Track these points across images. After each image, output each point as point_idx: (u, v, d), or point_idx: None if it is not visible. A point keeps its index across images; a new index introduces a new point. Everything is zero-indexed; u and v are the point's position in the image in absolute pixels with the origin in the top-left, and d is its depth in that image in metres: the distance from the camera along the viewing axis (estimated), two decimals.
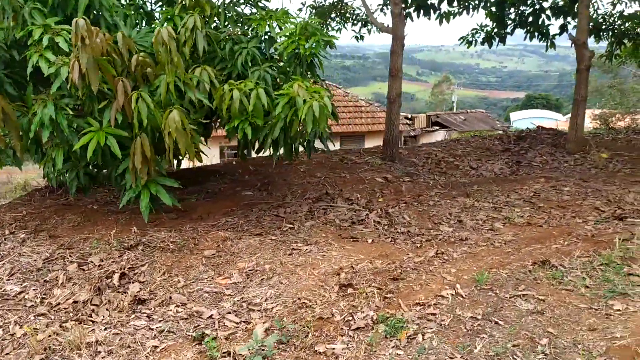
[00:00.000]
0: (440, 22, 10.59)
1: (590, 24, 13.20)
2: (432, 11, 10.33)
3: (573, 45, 9.54)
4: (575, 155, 9.32)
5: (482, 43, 11.97)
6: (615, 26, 13.39)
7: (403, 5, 7.94)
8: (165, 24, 5.32)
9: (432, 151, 9.00)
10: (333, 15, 10.90)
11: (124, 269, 4.54)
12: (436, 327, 3.45)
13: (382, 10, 10.73)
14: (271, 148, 5.63)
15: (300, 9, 10.20)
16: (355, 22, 11.11)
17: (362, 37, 11.77)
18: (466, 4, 10.94)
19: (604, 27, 13.35)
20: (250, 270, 4.47)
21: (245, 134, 5.08)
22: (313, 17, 10.45)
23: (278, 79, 5.60)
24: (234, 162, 7.60)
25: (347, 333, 3.43)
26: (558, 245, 5.36)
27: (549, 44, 11.61)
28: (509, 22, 11.77)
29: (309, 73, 5.65)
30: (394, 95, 8.23)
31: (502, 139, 10.15)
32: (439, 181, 7.52)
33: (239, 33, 5.51)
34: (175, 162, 6.31)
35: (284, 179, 7.08)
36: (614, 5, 13.37)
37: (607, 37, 13.51)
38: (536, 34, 11.66)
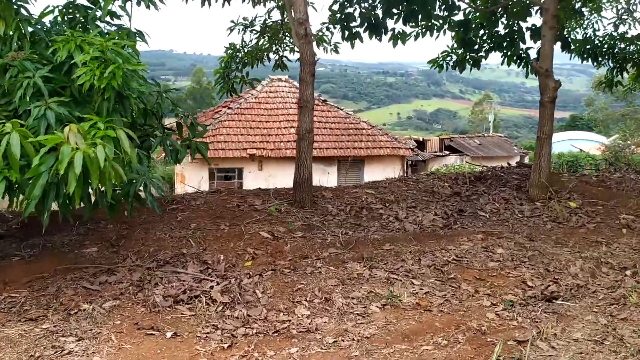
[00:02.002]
0: (394, 44, 9.31)
1: (587, 46, 11.72)
2: (383, 31, 9.06)
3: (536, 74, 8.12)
4: (537, 203, 7.86)
5: (454, 67, 10.62)
6: (617, 50, 11.84)
7: (311, 26, 6.71)
8: None
9: (361, 195, 7.70)
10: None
11: None
12: None
13: (327, 29, 9.54)
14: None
15: (230, 29, 9.04)
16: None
17: (336, 51, 10.52)
18: (428, 24, 9.63)
19: (603, 50, 11.82)
20: None
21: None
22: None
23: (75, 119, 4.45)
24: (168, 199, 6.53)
25: None
26: (429, 347, 4.04)
27: (529, 69, 10.18)
28: (485, 44, 10.40)
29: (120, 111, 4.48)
30: (304, 131, 7.00)
31: (456, 180, 8.74)
32: (341, 238, 6.22)
33: (23, 58, 4.36)
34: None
35: (147, 232, 5.92)
36: (616, 26, 11.80)
37: (607, 62, 11.97)
38: (514, 57, 10.25)
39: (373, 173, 21.97)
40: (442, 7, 9.50)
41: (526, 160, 28.92)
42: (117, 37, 4.91)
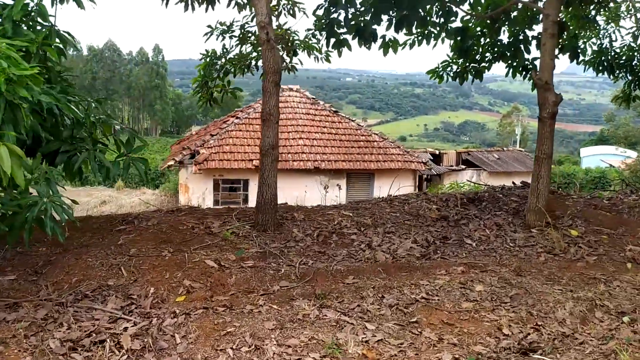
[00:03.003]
0: (385, 52, 8.59)
1: (602, 57, 10.85)
2: (371, 39, 8.35)
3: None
4: (533, 230, 7.04)
5: (454, 78, 9.85)
6: (636, 62, 10.94)
7: (272, 33, 6.03)
8: None
9: (336, 217, 6.98)
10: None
11: None
12: None
13: (313, 36, 8.86)
14: None
15: (207, 34, 8.40)
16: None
17: (328, 59, 9.85)
18: (424, 31, 8.90)
19: (621, 62, 10.93)
20: None
21: None
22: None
23: None
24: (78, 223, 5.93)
25: None
26: None
27: None
28: (487, 54, 9.63)
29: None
30: (267, 147, 6.32)
31: (447, 202, 7.95)
32: (298, 268, 5.52)
33: None
34: None
35: (78, 257, 5.30)
36: (635, 37, 10.88)
37: (625, 75, 11.06)
38: (520, 68, 9.44)
39: (384, 187, 21.18)
40: (439, 14, 8.76)
41: None
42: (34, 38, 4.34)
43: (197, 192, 19.81)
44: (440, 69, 9.97)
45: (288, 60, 8.74)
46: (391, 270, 5.70)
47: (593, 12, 10.05)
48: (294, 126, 21.52)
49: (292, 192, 21.00)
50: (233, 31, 8.48)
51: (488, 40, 9.14)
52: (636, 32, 10.85)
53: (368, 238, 6.44)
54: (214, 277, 5.08)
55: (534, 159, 7.32)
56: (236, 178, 20.24)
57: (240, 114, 22.20)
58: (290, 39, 8.94)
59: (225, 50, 8.70)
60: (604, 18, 10.87)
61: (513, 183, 10.34)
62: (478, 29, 9.18)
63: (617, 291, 5.46)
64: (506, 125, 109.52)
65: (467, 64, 9.64)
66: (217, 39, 8.49)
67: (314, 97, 23.87)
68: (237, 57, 9.06)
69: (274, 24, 8.88)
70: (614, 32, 10.95)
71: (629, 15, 11.04)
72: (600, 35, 11.09)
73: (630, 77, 10.85)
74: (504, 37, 9.36)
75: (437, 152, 27.13)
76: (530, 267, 6.05)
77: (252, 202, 20.22)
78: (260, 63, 9.54)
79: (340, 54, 8.74)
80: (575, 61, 9.16)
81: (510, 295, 5.23)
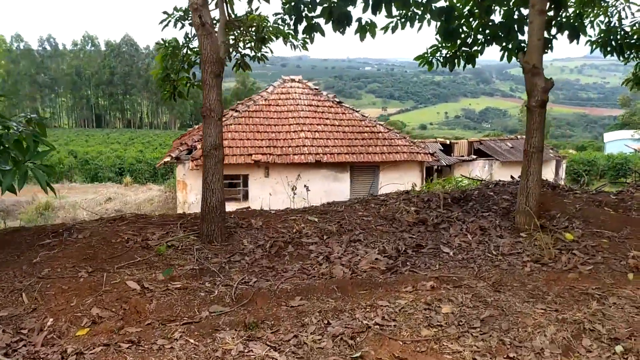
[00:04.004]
0: (362, 37, 7.74)
1: (610, 37, 9.89)
2: (345, 22, 7.50)
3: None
4: (522, 234, 6.18)
5: (444, 64, 8.97)
6: None
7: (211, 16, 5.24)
8: None
9: (299, 223, 6.20)
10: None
11: None
12: None
13: (283, 20, 8.03)
14: None
15: (164, 22, 7.62)
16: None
17: (305, 47, 9.04)
18: (407, 13, 8.02)
19: (632, 42, 9.92)
20: None
21: None
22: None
23: None
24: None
25: None
26: None
27: None
28: (480, 36, 8.72)
29: None
30: (209, 147, 5.53)
31: (429, 202, 7.11)
32: (235, 289, 4.76)
33: None
34: None
35: None
36: None
37: (635, 56, 10.06)
38: (516, 51, 8.50)
39: (389, 180, 20.30)
40: None
41: (562, 166, 26.48)
42: None
43: (196, 189, 19.17)
44: (429, 55, 9.08)
45: (250, 49, 7.91)
46: (348, 288, 4.91)
47: None
48: (295, 118, 20.73)
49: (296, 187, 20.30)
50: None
51: (479, 21, 8.22)
52: None
53: (329, 248, 5.66)
54: (131, 302, 4.36)
55: (523, 153, 6.44)
56: (235, 173, 19.54)
57: (240, 107, 21.48)
58: (261, 25, 8.14)
59: (188, 38, 7.92)
60: None
61: (512, 177, 9.44)
62: (467, 8, 8.27)
63: (612, 310, 4.61)
64: None
65: (458, 48, 8.74)
66: (174, 27, 7.71)
67: (316, 87, 23.02)
68: None
69: (245, 8, 8.11)
70: (623, 9, 9.91)
71: None
72: (609, 13, 10.07)
73: None
74: (499, 17, 8.45)
75: (447, 142, 26.07)
76: (512, 280, 5.22)
77: (252, 199, 19.53)
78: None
79: (312, 40, 7.92)
80: (575, 41, 8.19)
81: (482, 318, 4.42)
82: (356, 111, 22.02)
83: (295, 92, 22.12)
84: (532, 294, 4.92)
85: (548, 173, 23.15)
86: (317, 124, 20.68)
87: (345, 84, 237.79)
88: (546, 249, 5.67)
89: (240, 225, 6.11)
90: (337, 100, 22.43)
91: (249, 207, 7.38)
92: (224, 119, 21.25)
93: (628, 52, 9.86)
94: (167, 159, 19.09)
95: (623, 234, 6.35)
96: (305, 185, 10.87)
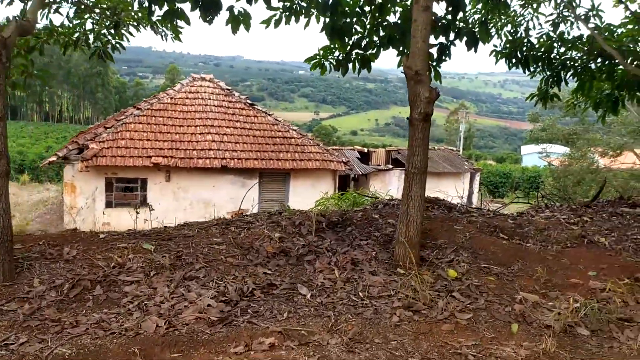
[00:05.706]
0: (234, 29, 6.57)
1: (515, 48, 9.20)
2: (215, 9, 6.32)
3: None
4: (399, 269, 5.20)
5: (336, 68, 7.97)
6: (555, 54, 9.30)
7: None
8: None
9: (126, 253, 4.94)
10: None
11: None
12: None
13: (140, 5, 6.77)
14: None
15: None
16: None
17: (177, 37, 7.73)
18: (292, 5, 6.94)
19: (538, 55, 9.27)
20: None
21: None
22: None
23: None
24: None
25: None
26: None
27: (431, 73, 7.52)
28: (375, 37, 7.77)
29: None
30: None
31: (300, 226, 6.03)
32: None
33: None
34: None
35: None
36: (555, 25, 9.18)
37: (544, 70, 9.40)
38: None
39: (300, 189, 19.28)
40: None
41: (476, 180, 26.37)
42: None
43: (86, 193, 17.41)
44: (321, 57, 8.05)
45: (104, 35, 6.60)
46: (154, 350, 3.72)
47: None
48: (202, 120, 19.32)
49: (200, 194, 18.90)
50: None
51: (371, 20, 7.27)
52: (557, 20, 9.15)
53: (151, 290, 4.45)
54: None
55: (404, 175, 5.48)
56: (133, 177, 17.92)
57: (143, 104, 19.83)
58: (118, 7, 6.85)
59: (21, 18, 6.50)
60: (521, 2, 9.16)
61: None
62: (360, 4, 7.30)
63: None
64: (453, 122, 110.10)
65: (350, 50, 7.77)
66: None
67: (228, 87, 21.67)
68: (50, 29, 6.91)
69: None
70: (531, 19, 9.24)
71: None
72: (517, 22, 9.38)
73: (548, 73, 9.20)
74: (393, 17, 7.55)
75: (365, 150, 25.35)
76: (374, 334, 4.20)
77: (151, 202, 17.96)
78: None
79: (175, 30, 6.71)
80: (473, 50, 7.36)
81: None
82: (269, 114, 20.86)
83: (205, 92, 20.72)
84: (393, 354, 3.91)
85: (461, 186, 22.82)
86: (226, 127, 19.38)
87: (278, 86, 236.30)
88: (421, 292, 4.70)
89: (45, 255, 4.80)
90: (250, 102, 21.20)
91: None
92: (122, 117, 19.54)
93: (534, 66, 9.20)
94: (53, 158, 17.20)
95: (513, 270, 5.52)
96: (149, 204, 9.54)
